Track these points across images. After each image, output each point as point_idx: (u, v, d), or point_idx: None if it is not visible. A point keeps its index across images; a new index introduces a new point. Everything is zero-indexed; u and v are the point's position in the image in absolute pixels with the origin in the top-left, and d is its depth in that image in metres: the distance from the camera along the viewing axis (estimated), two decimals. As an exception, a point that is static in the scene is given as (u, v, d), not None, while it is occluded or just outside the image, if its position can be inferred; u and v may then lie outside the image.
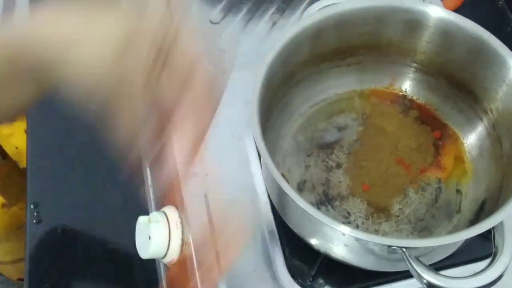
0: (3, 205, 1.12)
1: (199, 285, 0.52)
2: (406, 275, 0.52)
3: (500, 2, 0.80)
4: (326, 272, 0.53)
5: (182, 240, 0.57)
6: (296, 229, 0.50)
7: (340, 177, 0.55)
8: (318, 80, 0.57)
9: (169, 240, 0.56)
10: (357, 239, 0.42)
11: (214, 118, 0.61)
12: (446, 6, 0.53)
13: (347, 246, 0.45)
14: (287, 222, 0.51)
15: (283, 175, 0.45)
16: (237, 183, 0.58)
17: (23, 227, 0.71)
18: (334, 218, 0.51)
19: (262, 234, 0.55)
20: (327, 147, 0.57)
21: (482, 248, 0.50)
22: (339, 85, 0.59)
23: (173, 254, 0.57)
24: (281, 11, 0.70)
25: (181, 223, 0.57)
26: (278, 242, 0.54)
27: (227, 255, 0.41)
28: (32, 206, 0.71)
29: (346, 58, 0.57)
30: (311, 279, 0.53)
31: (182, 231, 0.57)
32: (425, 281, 0.40)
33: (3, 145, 1.03)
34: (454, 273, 0.42)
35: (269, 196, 0.57)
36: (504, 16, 0.79)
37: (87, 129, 0.78)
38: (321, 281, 0.53)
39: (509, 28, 0.78)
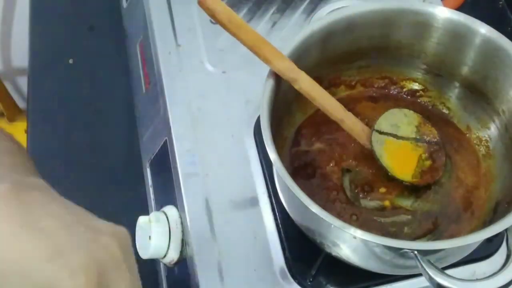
0: (3, 205, 1.12)
1: (199, 285, 0.52)
2: (406, 275, 0.52)
3: (500, 2, 0.80)
4: (327, 272, 0.53)
5: (182, 240, 0.57)
6: (303, 229, 0.50)
7: (353, 178, 0.55)
8: (328, 83, 0.57)
9: (169, 240, 0.56)
10: (367, 241, 0.42)
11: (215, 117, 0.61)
12: (446, 6, 0.53)
13: (357, 247, 0.45)
14: (295, 221, 0.51)
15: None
16: (237, 183, 0.58)
17: (23, 227, 0.71)
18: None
19: (262, 234, 0.55)
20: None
21: (481, 249, 0.50)
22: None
23: (173, 254, 0.57)
24: (282, 11, 0.70)
25: (181, 223, 0.57)
26: (278, 242, 0.54)
27: None
28: (32, 206, 0.71)
29: (356, 61, 0.57)
30: (311, 279, 0.53)
31: (182, 231, 0.57)
32: (437, 284, 0.40)
33: (3, 145, 1.03)
34: (454, 273, 0.42)
35: (269, 196, 0.57)
36: (504, 16, 0.79)
37: (87, 129, 0.79)
38: (321, 281, 0.53)
39: (509, 28, 0.78)
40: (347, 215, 0.52)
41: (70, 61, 0.82)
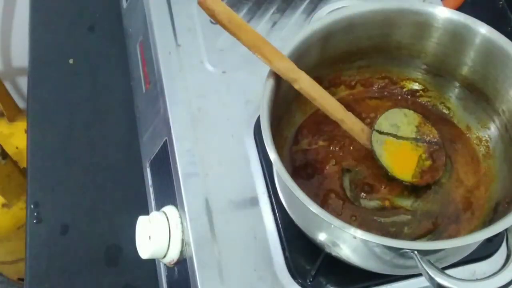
0: (4, 205, 1.13)
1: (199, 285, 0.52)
2: (406, 275, 0.52)
3: (500, 2, 0.80)
4: (327, 272, 0.53)
5: (182, 240, 0.57)
6: (304, 229, 0.50)
7: (353, 177, 0.55)
8: (328, 83, 0.57)
9: (169, 240, 0.56)
10: (367, 241, 0.42)
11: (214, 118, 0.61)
12: (446, 6, 0.53)
13: (357, 247, 0.45)
14: (295, 221, 0.51)
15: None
16: (237, 183, 0.58)
17: (24, 227, 0.72)
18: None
19: (262, 234, 0.55)
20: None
21: (481, 249, 0.50)
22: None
23: (173, 254, 0.57)
24: (282, 11, 0.70)
25: (181, 223, 0.57)
26: (278, 242, 0.54)
27: None
28: (32, 206, 0.71)
29: (356, 61, 0.57)
30: (311, 279, 0.53)
31: (182, 231, 0.57)
32: (437, 284, 0.40)
33: (3, 145, 1.03)
34: (454, 273, 0.42)
35: (269, 196, 0.57)
36: (504, 16, 0.79)
37: (87, 129, 0.79)
38: (321, 281, 0.53)
39: (509, 28, 0.78)
40: (347, 215, 0.52)
41: (70, 61, 0.83)
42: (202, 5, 0.45)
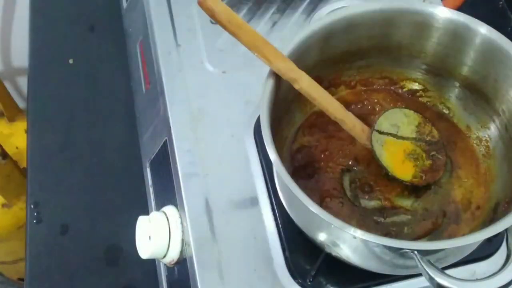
0: (4, 205, 1.12)
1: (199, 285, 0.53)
2: (406, 275, 0.52)
3: (500, 2, 0.80)
4: (327, 272, 0.53)
5: (182, 240, 0.57)
6: (304, 229, 0.50)
7: (353, 177, 0.55)
8: (328, 83, 0.57)
9: (169, 240, 0.56)
10: (367, 241, 0.42)
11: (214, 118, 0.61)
12: (446, 6, 0.53)
13: (357, 247, 0.45)
14: (295, 221, 0.51)
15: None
16: (237, 183, 0.58)
17: (24, 227, 0.72)
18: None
19: (262, 234, 0.55)
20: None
21: (481, 249, 0.50)
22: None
23: (173, 254, 0.57)
24: (281, 11, 0.70)
25: (181, 223, 0.57)
26: (278, 242, 0.54)
27: None
28: (32, 206, 0.71)
29: (356, 61, 0.57)
30: (311, 279, 0.53)
31: (182, 231, 0.57)
32: (437, 284, 0.40)
33: (3, 145, 1.03)
34: (454, 273, 0.42)
35: (269, 196, 0.57)
36: (504, 16, 0.79)
37: (87, 129, 0.79)
38: (321, 281, 0.53)
39: (509, 28, 0.78)
40: (347, 215, 0.52)
41: (70, 61, 0.83)
42: (202, 5, 0.45)
